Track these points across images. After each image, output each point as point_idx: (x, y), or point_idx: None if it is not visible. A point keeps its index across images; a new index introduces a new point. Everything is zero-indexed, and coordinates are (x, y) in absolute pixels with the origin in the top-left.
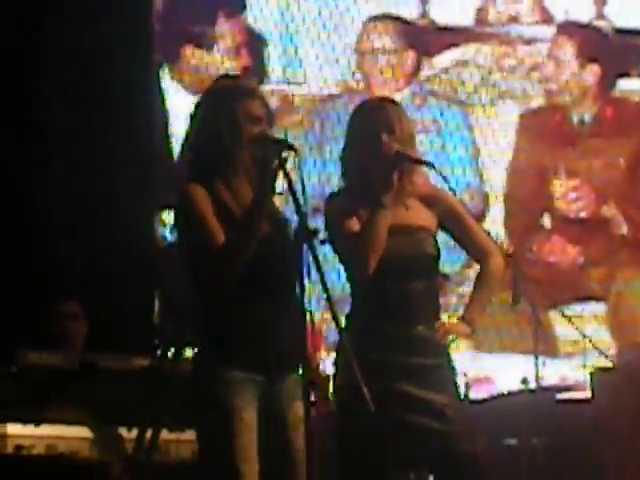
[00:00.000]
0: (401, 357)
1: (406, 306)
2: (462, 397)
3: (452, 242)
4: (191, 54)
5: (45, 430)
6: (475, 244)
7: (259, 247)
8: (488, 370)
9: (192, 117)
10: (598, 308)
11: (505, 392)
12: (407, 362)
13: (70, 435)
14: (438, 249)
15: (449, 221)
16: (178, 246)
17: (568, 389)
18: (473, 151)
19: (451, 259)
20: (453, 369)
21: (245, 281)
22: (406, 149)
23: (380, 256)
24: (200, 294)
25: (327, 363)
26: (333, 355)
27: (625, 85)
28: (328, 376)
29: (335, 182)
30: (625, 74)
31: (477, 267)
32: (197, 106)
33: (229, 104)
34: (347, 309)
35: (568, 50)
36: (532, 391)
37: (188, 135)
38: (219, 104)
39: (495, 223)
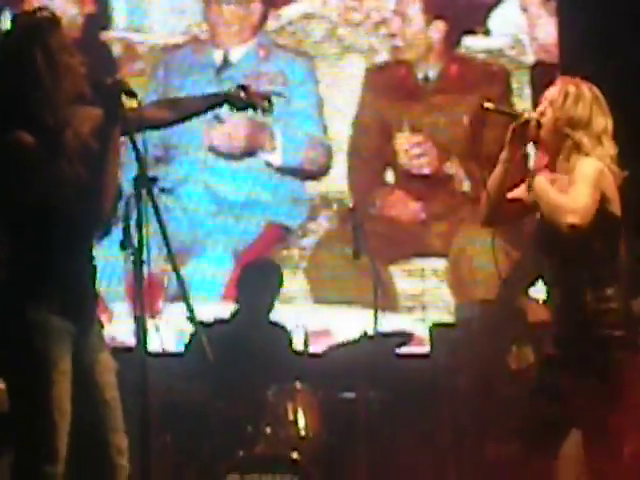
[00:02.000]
0: None
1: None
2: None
3: (295, 194)
4: None
5: None
6: None
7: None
8: (328, 323)
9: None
10: (439, 264)
11: (343, 342)
12: None
13: None
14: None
15: None
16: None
17: (405, 336)
18: (318, 104)
19: (294, 212)
20: None
21: (61, 228)
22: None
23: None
24: (15, 234)
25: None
26: (172, 306)
27: (470, 42)
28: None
29: (176, 132)
30: (471, 32)
31: (319, 220)
32: (3, 47)
33: (40, 37)
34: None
35: (414, 6)
36: (371, 338)
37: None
38: (29, 39)
39: (338, 177)
